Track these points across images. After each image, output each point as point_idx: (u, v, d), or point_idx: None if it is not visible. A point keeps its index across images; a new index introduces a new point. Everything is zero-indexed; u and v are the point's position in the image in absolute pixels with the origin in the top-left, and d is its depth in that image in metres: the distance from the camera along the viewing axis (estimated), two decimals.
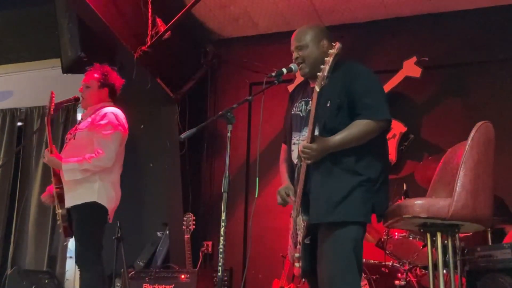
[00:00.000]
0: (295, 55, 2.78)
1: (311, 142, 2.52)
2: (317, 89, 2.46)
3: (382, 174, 2.64)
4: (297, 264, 2.67)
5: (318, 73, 2.45)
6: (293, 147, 2.79)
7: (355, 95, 2.61)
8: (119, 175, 3.70)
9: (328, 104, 2.60)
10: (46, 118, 3.73)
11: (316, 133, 2.59)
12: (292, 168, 2.80)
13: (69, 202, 3.55)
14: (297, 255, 2.67)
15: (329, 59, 2.43)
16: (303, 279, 2.77)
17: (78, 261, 3.52)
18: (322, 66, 2.44)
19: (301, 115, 2.77)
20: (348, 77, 2.64)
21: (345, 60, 2.70)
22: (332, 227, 2.55)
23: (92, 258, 3.46)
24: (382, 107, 2.61)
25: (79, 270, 3.52)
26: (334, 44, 2.48)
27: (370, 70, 2.76)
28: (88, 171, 3.47)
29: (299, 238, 2.65)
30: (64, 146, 3.73)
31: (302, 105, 2.78)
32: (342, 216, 2.54)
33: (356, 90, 2.61)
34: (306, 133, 2.59)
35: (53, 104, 3.66)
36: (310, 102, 2.61)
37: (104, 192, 3.53)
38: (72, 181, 3.48)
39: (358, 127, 2.56)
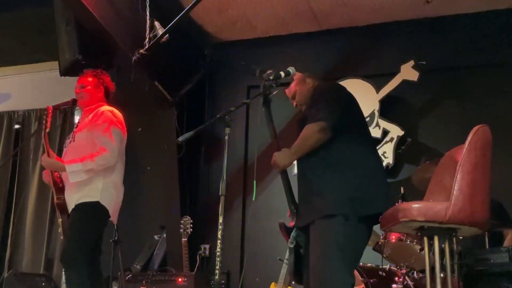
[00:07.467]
0: (293, 102, 3.10)
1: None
2: None
3: (361, 168, 2.75)
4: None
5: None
6: None
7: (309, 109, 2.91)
8: (122, 175, 3.66)
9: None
10: (43, 133, 3.66)
11: None
12: None
13: (72, 203, 3.46)
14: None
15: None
16: (292, 281, 2.88)
17: (63, 259, 3.35)
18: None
19: None
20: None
21: (322, 82, 3.06)
22: (316, 224, 2.68)
23: (79, 258, 3.31)
24: (323, 112, 2.77)
25: (64, 270, 3.37)
26: (312, 76, 3.03)
27: (329, 84, 3.17)
28: (93, 170, 3.41)
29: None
30: (64, 151, 3.67)
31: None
32: (321, 211, 2.67)
33: (310, 105, 2.91)
34: None
35: (49, 120, 3.62)
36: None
37: (107, 192, 3.48)
38: (76, 182, 3.41)
39: (303, 132, 2.76)
